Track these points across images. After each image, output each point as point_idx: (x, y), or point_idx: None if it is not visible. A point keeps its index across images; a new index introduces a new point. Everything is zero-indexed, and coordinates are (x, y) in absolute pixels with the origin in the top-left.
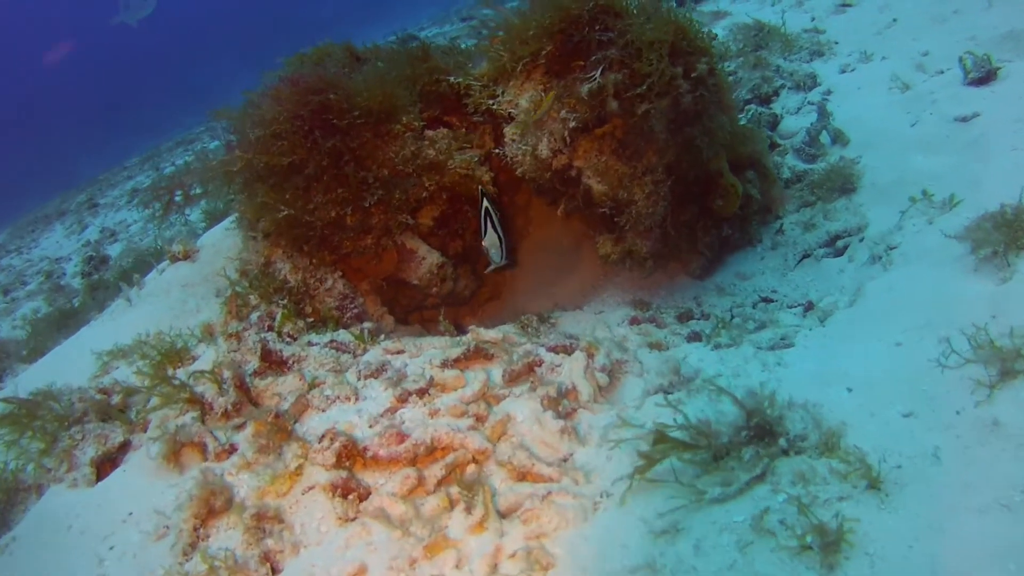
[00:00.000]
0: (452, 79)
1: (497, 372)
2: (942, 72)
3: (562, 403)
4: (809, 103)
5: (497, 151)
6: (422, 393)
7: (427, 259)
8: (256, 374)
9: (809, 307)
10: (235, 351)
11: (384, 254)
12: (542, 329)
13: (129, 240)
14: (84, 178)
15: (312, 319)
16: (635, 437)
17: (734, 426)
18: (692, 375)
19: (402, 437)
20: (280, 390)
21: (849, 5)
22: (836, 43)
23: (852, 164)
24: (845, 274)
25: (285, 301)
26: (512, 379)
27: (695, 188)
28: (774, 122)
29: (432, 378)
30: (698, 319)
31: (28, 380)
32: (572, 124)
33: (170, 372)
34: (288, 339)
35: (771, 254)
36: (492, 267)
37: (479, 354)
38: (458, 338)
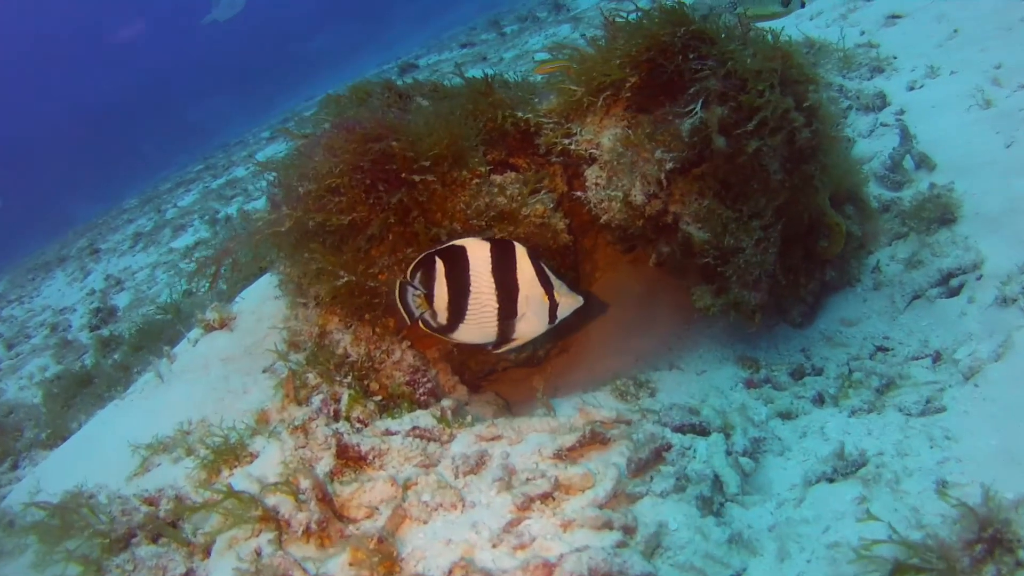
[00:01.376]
0: (520, 114)
1: (619, 460)
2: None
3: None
4: (882, 124)
5: (576, 195)
6: (546, 498)
7: None
8: (333, 475)
9: (937, 358)
10: (303, 446)
11: None
12: (642, 395)
13: (136, 289)
14: (80, 221)
15: (380, 397)
16: (828, 549)
17: (963, 539)
18: (856, 457)
19: (550, 568)
20: (369, 499)
21: (899, 16)
22: (895, 58)
23: (947, 191)
24: (969, 318)
25: (350, 379)
26: (639, 470)
27: (800, 229)
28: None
29: (557, 479)
30: (812, 375)
31: (52, 473)
32: (669, 165)
33: (226, 474)
34: (359, 425)
35: (874, 295)
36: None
37: (594, 439)
38: (566, 420)
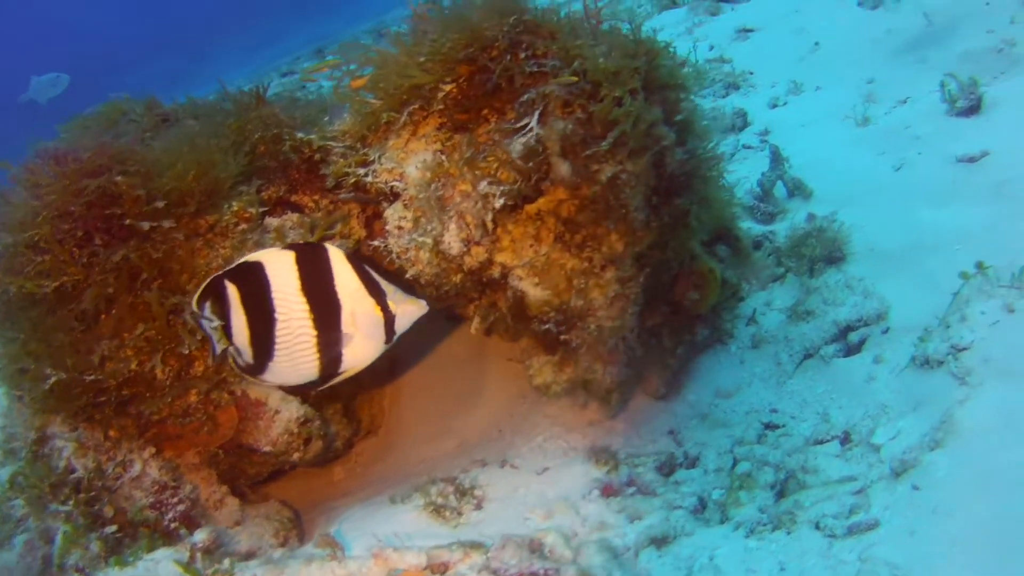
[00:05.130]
0: (303, 135)
1: None
2: (905, 102)
3: None
4: (744, 147)
5: (375, 243)
6: None
7: (282, 413)
8: None
9: (846, 439)
10: None
11: (218, 414)
12: (465, 508)
13: None
14: None
15: (116, 528)
16: None
17: None
18: None
19: None
20: None
21: (751, 30)
22: (751, 73)
23: (831, 223)
24: (879, 384)
25: (71, 506)
26: None
27: (666, 278)
28: None
29: None
30: (686, 467)
31: None
32: (498, 202)
33: None
34: None
35: (754, 355)
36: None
37: None
38: (357, 567)
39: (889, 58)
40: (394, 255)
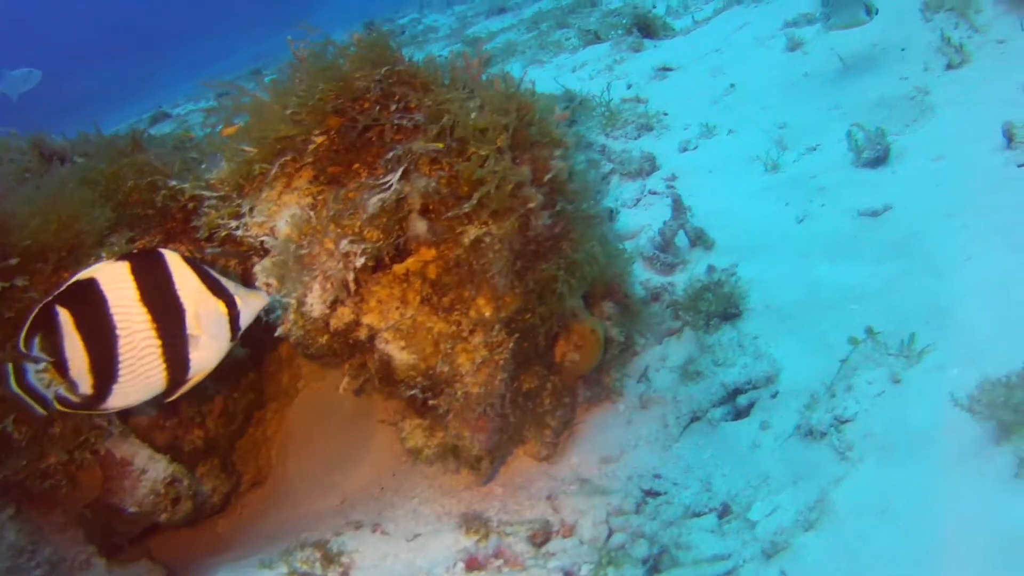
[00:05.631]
0: (176, 183)
1: None
2: (814, 149)
3: None
4: (651, 192)
5: None
6: None
7: (148, 472)
8: None
9: (724, 512)
10: None
11: (80, 475)
12: None
13: None
14: None
15: None
16: None
17: None
18: None
19: None
20: None
21: (670, 69)
22: (666, 114)
23: (730, 276)
24: (763, 452)
25: None
26: None
27: (542, 341)
28: (608, 217)
29: None
30: (560, 536)
31: None
32: (360, 261)
33: None
34: None
35: (642, 416)
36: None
37: None
38: None
39: (803, 102)
40: (261, 313)
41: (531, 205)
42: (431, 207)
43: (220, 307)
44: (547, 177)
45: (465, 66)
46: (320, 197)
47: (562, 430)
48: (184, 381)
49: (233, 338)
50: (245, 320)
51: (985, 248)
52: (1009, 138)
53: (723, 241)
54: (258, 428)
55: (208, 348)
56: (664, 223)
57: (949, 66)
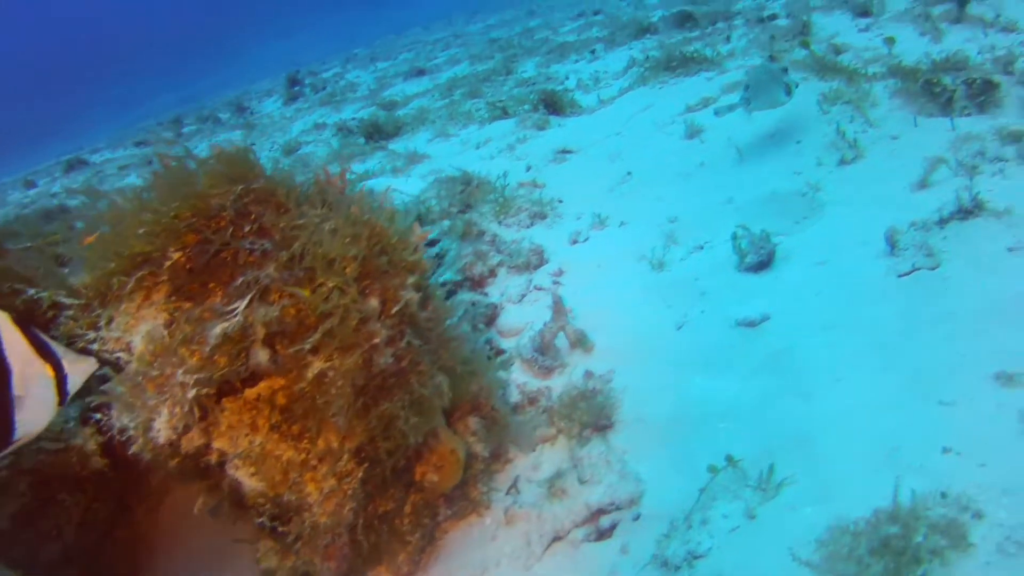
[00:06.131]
0: (32, 292)
1: None
2: (702, 247)
3: None
4: (536, 288)
5: (98, 416)
6: None
7: None
8: None
9: None
10: None
11: None
12: None
13: None
14: None
15: None
16: None
17: None
18: None
19: None
20: None
21: (570, 152)
22: (561, 201)
23: (606, 384)
24: None
25: None
26: None
27: (399, 462)
28: (492, 316)
29: None
30: None
31: None
32: (202, 390)
33: None
34: None
35: (506, 532)
36: None
37: None
38: None
39: (697, 194)
40: (114, 431)
41: (375, 341)
42: (277, 337)
43: (47, 370)
44: (395, 309)
45: (327, 182)
46: (177, 315)
47: (424, 547)
48: (10, 443)
49: (61, 402)
50: (73, 385)
51: (858, 367)
52: (892, 245)
53: (603, 343)
54: (126, 531)
55: (34, 410)
56: (544, 324)
57: (842, 161)
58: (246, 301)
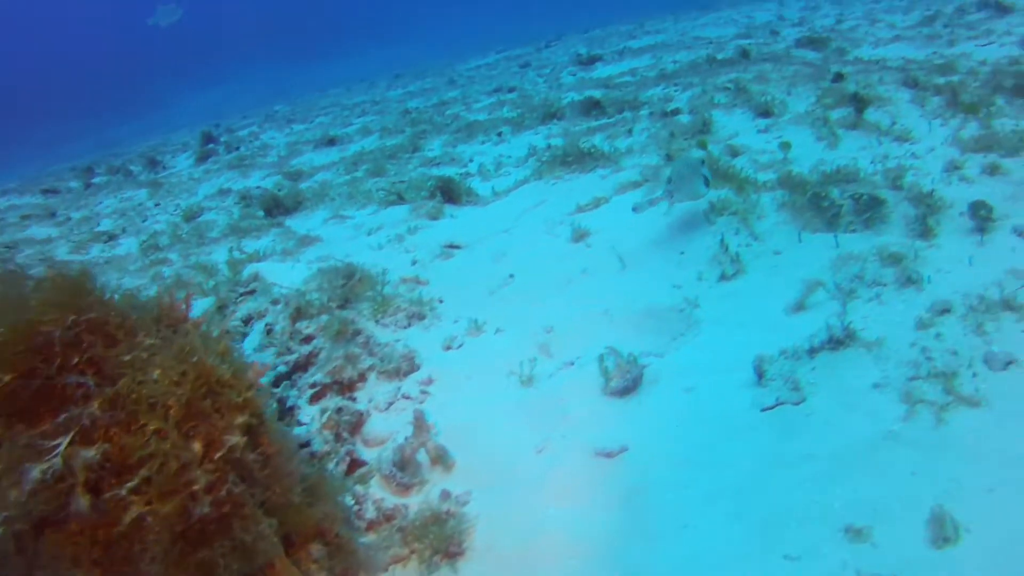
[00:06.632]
0: None
1: None
2: (573, 363)
3: None
4: (404, 397)
5: None
6: None
7: None
8: None
9: None
10: None
11: None
12: None
13: None
14: None
15: None
16: None
17: None
18: None
19: None
20: None
21: (458, 247)
22: (441, 302)
23: (461, 507)
24: None
25: None
26: None
27: None
28: (357, 423)
29: None
30: None
31: None
32: (22, 523)
33: None
34: None
35: None
36: None
37: None
38: None
39: (576, 303)
40: None
41: (195, 487)
42: (91, 481)
43: None
44: (218, 454)
45: (168, 308)
46: (7, 435)
47: None
48: None
49: None
50: None
51: (707, 513)
52: (759, 375)
53: (464, 462)
54: None
55: None
56: (405, 439)
57: (723, 277)
58: (67, 439)
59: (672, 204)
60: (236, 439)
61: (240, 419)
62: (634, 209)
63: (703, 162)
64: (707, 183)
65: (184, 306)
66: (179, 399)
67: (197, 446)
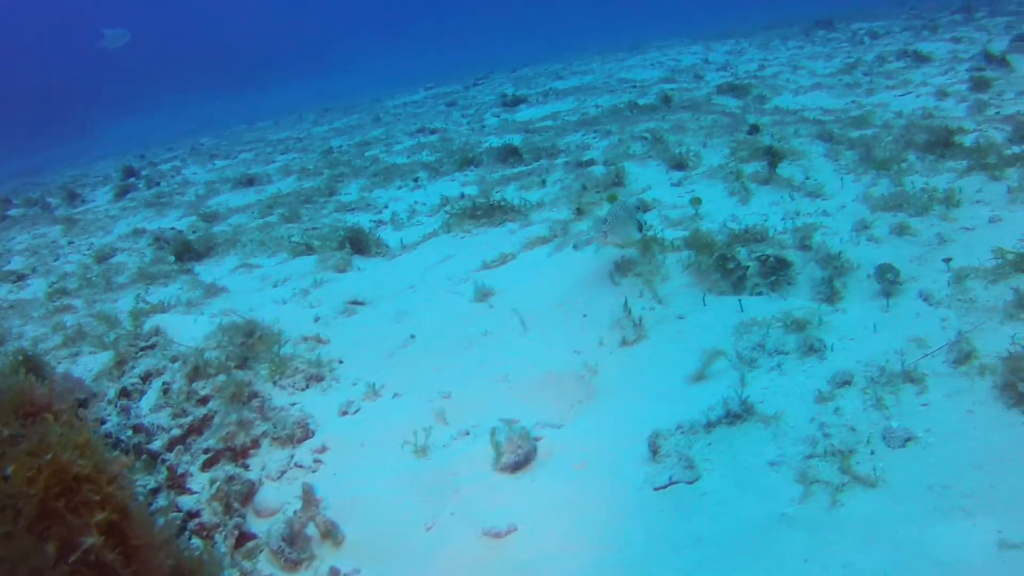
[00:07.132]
0: None
1: None
2: (468, 433)
3: None
4: (297, 465)
5: None
6: None
7: None
8: None
9: None
10: None
11: None
12: None
13: None
14: None
15: None
16: None
17: None
18: None
19: None
20: None
21: (361, 304)
22: (341, 362)
23: None
24: None
25: None
26: None
27: None
28: (248, 492)
29: None
30: None
31: None
32: None
33: None
34: None
35: None
36: None
37: None
38: None
39: (475, 367)
40: None
41: None
42: None
43: None
44: (73, 557)
45: (31, 396)
46: None
47: None
48: None
49: None
50: None
51: None
52: (654, 451)
53: (354, 536)
54: None
55: None
56: (294, 513)
57: (624, 342)
58: None
59: (604, 243)
60: (93, 540)
61: (100, 516)
62: (574, 247)
63: (639, 208)
64: (640, 228)
65: (48, 392)
66: (32, 498)
67: (51, 548)
